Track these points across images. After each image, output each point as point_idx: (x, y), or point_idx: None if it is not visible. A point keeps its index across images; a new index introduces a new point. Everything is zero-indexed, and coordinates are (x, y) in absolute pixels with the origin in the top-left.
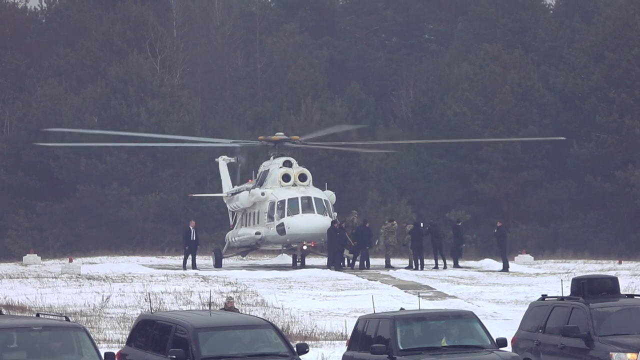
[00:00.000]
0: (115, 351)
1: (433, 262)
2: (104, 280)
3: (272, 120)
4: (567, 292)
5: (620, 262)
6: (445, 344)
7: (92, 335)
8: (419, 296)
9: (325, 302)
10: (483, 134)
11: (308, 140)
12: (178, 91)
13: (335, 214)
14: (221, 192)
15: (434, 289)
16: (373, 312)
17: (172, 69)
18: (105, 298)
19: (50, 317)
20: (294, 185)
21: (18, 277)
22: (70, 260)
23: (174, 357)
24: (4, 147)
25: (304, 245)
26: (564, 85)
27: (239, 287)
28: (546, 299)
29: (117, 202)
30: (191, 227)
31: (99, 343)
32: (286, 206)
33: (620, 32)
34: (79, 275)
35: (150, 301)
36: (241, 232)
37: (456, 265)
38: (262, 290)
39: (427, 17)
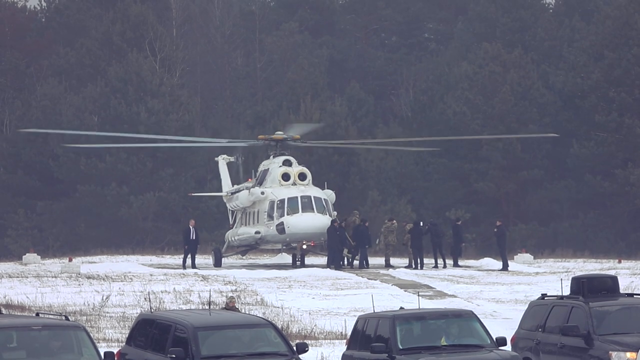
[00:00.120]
0: (115, 350)
1: (433, 261)
2: (103, 279)
3: (271, 120)
4: (566, 291)
5: (620, 261)
6: (445, 343)
7: (91, 335)
8: (418, 295)
9: (325, 301)
10: (483, 134)
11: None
12: (178, 90)
13: (335, 213)
14: (221, 191)
15: (433, 288)
16: (373, 311)
17: (172, 68)
18: (104, 297)
19: (50, 316)
20: (294, 184)
21: (18, 277)
22: (70, 260)
23: (174, 356)
24: (4, 147)
25: (304, 244)
26: (564, 85)
27: (239, 287)
28: (546, 298)
29: (117, 202)
30: (191, 227)
31: (98, 342)
32: (286, 205)
33: (619, 31)
34: (79, 274)
35: (149, 300)
36: (241, 232)
37: (456, 265)
38: (261, 290)
39: (426, 17)
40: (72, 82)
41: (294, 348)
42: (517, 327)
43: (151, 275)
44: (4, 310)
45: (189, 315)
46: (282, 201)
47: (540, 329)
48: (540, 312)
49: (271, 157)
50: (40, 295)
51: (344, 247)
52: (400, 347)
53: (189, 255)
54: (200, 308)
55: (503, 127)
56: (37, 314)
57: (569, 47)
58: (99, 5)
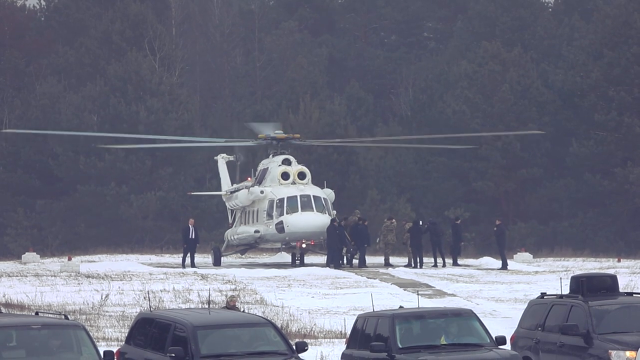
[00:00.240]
0: (115, 349)
1: (432, 260)
2: (103, 278)
3: (271, 119)
4: (566, 290)
5: (619, 260)
6: (445, 342)
7: (91, 334)
8: (418, 294)
9: (324, 300)
10: (482, 132)
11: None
12: (177, 89)
13: (335, 212)
14: (220, 190)
15: (433, 287)
16: (372, 310)
17: (171, 67)
18: (104, 296)
19: (49, 315)
20: (293, 183)
21: (17, 276)
22: (70, 259)
23: (173, 355)
24: (3, 146)
25: (303, 243)
26: (563, 83)
27: (238, 286)
28: (545, 297)
29: (116, 201)
30: (190, 226)
31: (98, 341)
32: (285, 204)
33: (619, 30)
34: (78, 273)
35: (149, 299)
36: (240, 231)
37: (455, 264)
38: (261, 289)
39: (426, 15)
40: (72, 81)
41: (294, 347)
42: (516, 326)
43: (150, 274)
44: (3, 310)
45: (188, 314)
46: (281, 200)
47: (539, 328)
48: (540, 311)
49: (270, 156)
50: (40, 294)
51: (344, 246)
52: (400, 346)
53: (188, 254)
54: (200, 307)
55: (502, 126)
56: (37, 313)
57: (568, 45)
58: (98, 4)
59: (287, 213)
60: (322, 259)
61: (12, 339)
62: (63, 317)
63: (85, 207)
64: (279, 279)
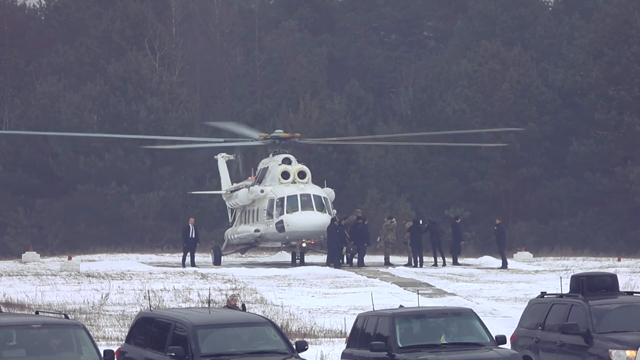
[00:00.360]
0: (115, 349)
1: (432, 259)
2: (103, 277)
3: (271, 118)
4: (566, 290)
5: (619, 259)
6: (445, 342)
7: (91, 333)
8: (418, 293)
9: (324, 299)
10: (481, 132)
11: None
12: (177, 88)
13: (335, 211)
14: (220, 189)
15: (433, 286)
16: (372, 310)
17: (171, 66)
18: (104, 296)
19: (50, 314)
20: (293, 182)
21: (17, 275)
22: (70, 258)
23: (173, 354)
24: (3, 145)
25: (303, 242)
26: (563, 82)
27: (238, 285)
28: (545, 296)
29: (116, 200)
30: (190, 225)
31: (98, 341)
32: (285, 203)
33: (619, 29)
34: (78, 272)
35: (149, 299)
36: (240, 230)
37: (455, 263)
38: (261, 288)
39: (426, 14)
40: (72, 80)
41: (294, 346)
42: (516, 325)
43: (150, 273)
44: (3, 309)
45: (188, 313)
46: (281, 199)
47: (539, 327)
48: (540, 310)
49: (271, 155)
50: (40, 294)
51: (344, 245)
52: (400, 345)
53: (189, 254)
54: (200, 306)
55: (502, 124)
56: (37, 313)
57: (568, 44)
58: (98, 3)
59: (287, 212)
60: (322, 258)
61: (12, 338)
62: (63, 316)
63: (85, 206)
64: (279, 278)
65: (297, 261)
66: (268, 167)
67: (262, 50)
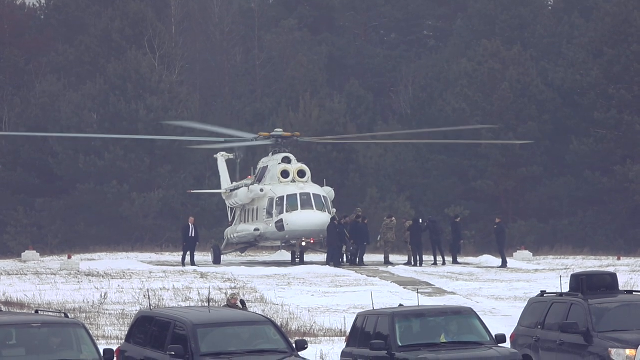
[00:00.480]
0: (115, 348)
1: (432, 258)
2: (102, 276)
3: (271, 117)
4: (566, 288)
5: (619, 258)
6: (445, 340)
7: (91, 332)
8: (417, 292)
9: (324, 298)
10: (481, 130)
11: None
12: (177, 87)
13: (334, 210)
14: (220, 188)
15: (433, 285)
16: (372, 309)
17: (171, 65)
18: (103, 295)
19: (49, 313)
20: (293, 181)
21: (17, 274)
22: (69, 257)
23: (173, 353)
24: (3, 144)
25: (303, 241)
26: (563, 81)
27: (238, 284)
28: (545, 295)
29: (116, 199)
30: (190, 224)
31: (98, 339)
32: (285, 202)
33: (619, 28)
34: (78, 271)
35: (149, 298)
36: (240, 229)
37: (455, 262)
38: (261, 287)
39: (426, 14)
40: (71, 79)
41: (294, 345)
42: (516, 324)
43: (150, 272)
44: (3, 308)
45: (188, 312)
46: (281, 198)
47: (539, 326)
48: (540, 309)
49: (270, 154)
50: (40, 293)
51: (344, 244)
52: (400, 344)
53: (188, 253)
54: (200, 305)
55: (502, 124)
56: (37, 312)
57: (568, 44)
58: (98, 2)
59: (287, 211)
60: (322, 257)
61: (12, 337)
62: (63, 315)
63: (85, 205)
64: (279, 277)
65: (297, 260)
66: (268, 166)
67: (262, 49)
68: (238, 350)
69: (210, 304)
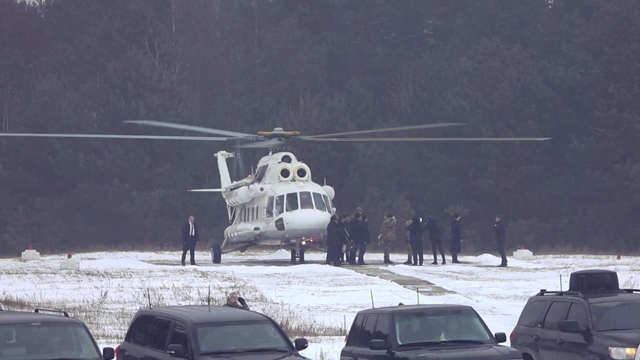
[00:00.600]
0: (114, 346)
1: (432, 257)
2: (102, 275)
3: (270, 116)
4: (565, 287)
5: (619, 257)
6: (444, 339)
7: (91, 331)
8: (417, 291)
9: (324, 297)
10: (482, 129)
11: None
12: (177, 86)
13: (334, 209)
14: (220, 187)
15: (432, 284)
16: (372, 308)
17: (171, 64)
18: (103, 293)
19: (49, 312)
20: (293, 180)
21: (17, 273)
22: (69, 256)
23: (173, 352)
24: (3, 143)
25: (303, 240)
26: (563, 80)
27: (238, 283)
28: (545, 294)
29: (116, 198)
30: (190, 223)
31: (97, 338)
32: (285, 201)
33: (619, 27)
34: (78, 270)
35: (149, 297)
36: (240, 228)
37: (455, 261)
38: (261, 286)
39: (426, 12)
40: (71, 78)
41: (293, 344)
42: (516, 323)
43: (150, 271)
44: (3, 307)
45: (188, 311)
46: (281, 197)
47: (539, 325)
48: (540, 308)
49: (270, 153)
50: (39, 292)
51: (344, 243)
52: (400, 343)
53: (188, 252)
54: (200, 304)
55: (502, 122)
56: (36, 311)
57: (568, 42)
58: (98, 1)
59: (286, 210)
60: (322, 256)
61: (12, 336)
62: (63, 314)
63: (84, 204)
64: (279, 276)
65: (297, 259)
66: (268, 165)
67: (261, 48)
68: (238, 349)
69: (210, 303)
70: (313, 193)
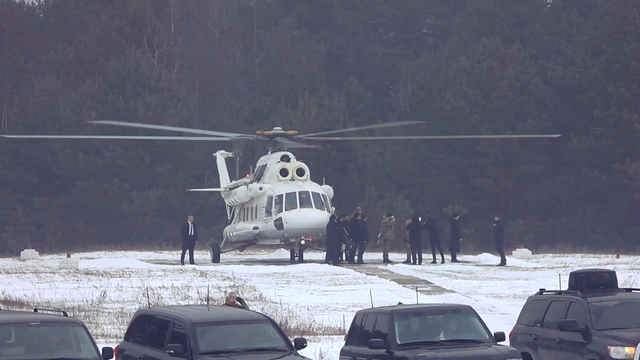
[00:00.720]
0: (113, 346)
1: (431, 256)
2: (101, 275)
3: (269, 115)
4: (565, 286)
5: (618, 256)
6: (443, 338)
7: (90, 330)
8: (416, 290)
9: (323, 296)
10: (481, 128)
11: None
12: (176, 86)
13: (333, 208)
14: (219, 186)
15: (432, 283)
16: (371, 307)
17: (170, 63)
18: (102, 293)
19: (48, 312)
20: (292, 179)
21: (16, 273)
22: (68, 256)
23: (172, 352)
24: (2, 143)
25: (302, 239)
26: (562, 79)
27: (237, 282)
28: (544, 293)
29: (115, 198)
30: (189, 222)
31: (97, 338)
32: (284, 201)
33: (618, 26)
34: (77, 270)
35: (148, 296)
36: (239, 227)
37: (454, 260)
38: (260, 285)
39: (424, 12)
40: (70, 77)
41: (293, 343)
42: (515, 322)
43: (149, 271)
44: (2, 307)
45: (187, 310)
46: (280, 197)
47: (538, 324)
48: (539, 307)
49: (269, 152)
50: (39, 291)
51: (343, 242)
52: (399, 343)
53: (187, 251)
54: (199, 304)
55: (501, 122)
56: (36, 310)
57: (567, 42)
58: (96, 1)
59: (285, 209)
60: (321, 255)
61: (11, 335)
62: (62, 314)
63: (84, 204)
64: (278, 276)
65: (296, 258)
66: (266, 164)
67: (260, 47)
68: (237, 348)
69: (210, 302)
70: (312, 192)
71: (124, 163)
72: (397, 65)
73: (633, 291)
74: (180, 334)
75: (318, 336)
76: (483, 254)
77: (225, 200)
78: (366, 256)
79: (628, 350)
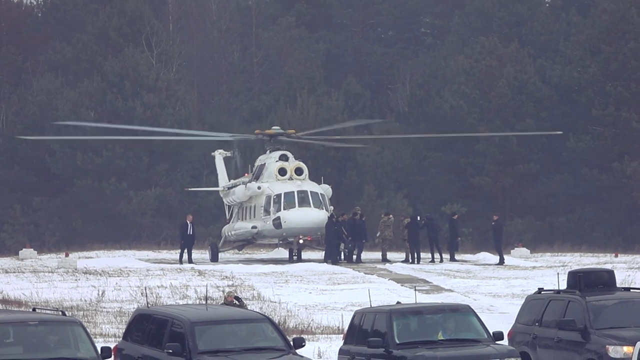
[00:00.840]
0: (112, 345)
1: (429, 255)
2: (100, 274)
3: (268, 114)
4: (563, 286)
5: (616, 255)
6: (442, 338)
7: (88, 330)
8: (415, 290)
9: (321, 296)
10: (479, 128)
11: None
12: (174, 85)
13: (332, 207)
14: (217, 186)
15: (430, 282)
16: (369, 306)
17: (168, 63)
18: (100, 292)
19: (47, 311)
20: (290, 179)
21: (14, 272)
22: (67, 255)
23: (171, 351)
24: (0, 142)
25: (300, 239)
26: (560, 79)
27: (236, 281)
28: (542, 292)
29: (114, 197)
30: (188, 222)
31: (95, 337)
32: (282, 200)
33: (616, 26)
34: (75, 269)
35: (146, 295)
36: (237, 226)
37: (452, 259)
38: (258, 285)
39: (423, 11)
40: (69, 77)
41: (291, 343)
42: (513, 322)
43: (148, 270)
44: (0, 306)
45: (185, 310)
46: (278, 196)
47: (537, 323)
48: (537, 306)
49: (268, 151)
50: (37, 291)
51: (341, 241)
52: (397, 342)
53: (186, 250)
54: (197, 303)
55: (500, 121)
56: (34, 310)
57: (565, 41)
58: (95, 0)
59: (284, 209)
60: (320, 254)
61: (10, 335)
62: (60, 313)
63: (82, 203)
64: (277, 275)
65: (295, 258)
66: (265, 163)
67: (259, 46)
68: (235, 347)
69: (208, 301)
70: (310, 192)
71: (123, 162)
72: (395, 65)
73: (631, 290)
74: (179, 333)
75: (316, 335)
76: (481, 253)
77: (224, 200)
78: (365, 255)
79: (626, 349)
